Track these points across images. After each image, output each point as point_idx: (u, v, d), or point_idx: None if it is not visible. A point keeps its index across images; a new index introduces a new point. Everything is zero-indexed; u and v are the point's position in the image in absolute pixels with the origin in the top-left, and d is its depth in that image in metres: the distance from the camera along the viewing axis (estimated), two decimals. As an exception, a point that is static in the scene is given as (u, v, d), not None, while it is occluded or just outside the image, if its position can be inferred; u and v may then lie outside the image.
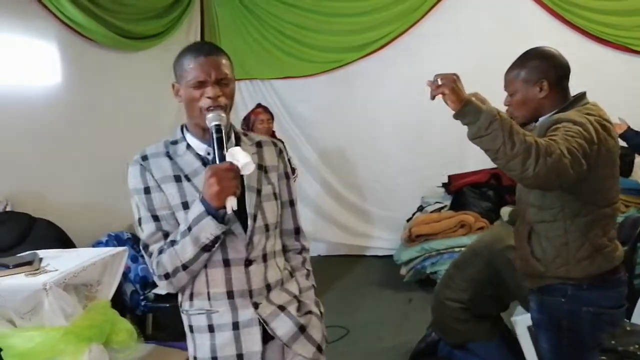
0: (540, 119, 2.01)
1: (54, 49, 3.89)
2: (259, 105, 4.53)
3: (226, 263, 1.58)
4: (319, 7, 5.55)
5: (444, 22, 5.21)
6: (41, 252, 2.46)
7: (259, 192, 1.64)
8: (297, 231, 1.80)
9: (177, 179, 1.58)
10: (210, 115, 1.53)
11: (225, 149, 1.49)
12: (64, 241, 3.36)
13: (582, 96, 2.01)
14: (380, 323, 4.05)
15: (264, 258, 1.64)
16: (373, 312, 4.15)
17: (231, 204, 1.43)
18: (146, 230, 1.57)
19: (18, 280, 2.17)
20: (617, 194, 1.97)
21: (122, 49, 4.42)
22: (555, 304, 1.98)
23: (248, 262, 1.60)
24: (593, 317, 1.94)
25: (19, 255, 2.47)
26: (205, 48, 1.61)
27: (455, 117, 1.71)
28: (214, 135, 1.49)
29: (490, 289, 2.99)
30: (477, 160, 4.86)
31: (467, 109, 1.68)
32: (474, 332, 3.06)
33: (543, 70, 1.96)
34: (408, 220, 5.14)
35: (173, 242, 1.52)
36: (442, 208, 5.06)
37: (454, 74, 1.71)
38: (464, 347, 3.20)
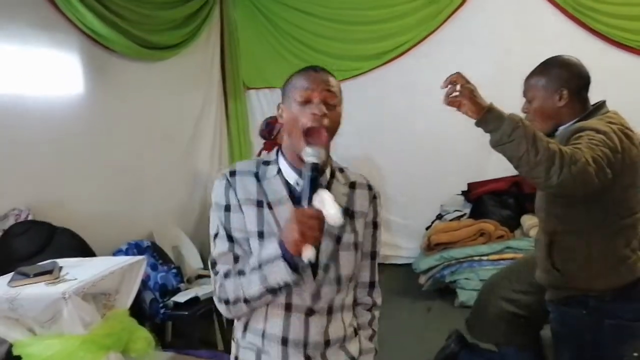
0: (561, 128, 1.98)
1: (76, 59, 3.96)
2: None
3: (287, 307, 1.47)
4: (337, 15, 5.57)
5: (463, 29, 5.18)
6: (61, 261, 2.49)
7: (338, 239, 1.51)
8: (372, 285, 1.65)
9: (259, 204, 1.49)
10: (309, 150, 1.41)
11: (316, 191, 1.37)
12: (84, 250, 3.40)
13: (602, 105, 1.98)
14: (399, 332, 4.02)
15: (329, 310, 1.51)
16: (392, 321, 4.11)
17: (309, 254, 1.31)
18: (218, 247, 1.48)
19: (38, 289, 2.20)
20: (637, 204, 1.94)
21: (142, 59, 4.48)
22: (577, 316, 1.95)
23: (310, 312, 1.48)
24: (615, 330, 1.90)
25: (39, 264, 2.50)
26: (317, 67, 1.53)
27: (478, 124, 1.70)
28: (308, 174, 1.39)
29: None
30: (497, 167, 4.82)
31: (489, 116, 1.67)
32: (517, 338, 2.90)
33: (564, 78, 1.95)
34: (427, 229, 5.10)
35: (241, 272, 1.43)
36: (461, 216, 5.02)
37: (471, 85, 1.70)
38: (483, 356, 3.14)
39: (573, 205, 1.89)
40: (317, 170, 1.40)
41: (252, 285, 1.41)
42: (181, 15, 4.88)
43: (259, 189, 1.50)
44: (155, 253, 3.95)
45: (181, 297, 3.75)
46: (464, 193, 5.21)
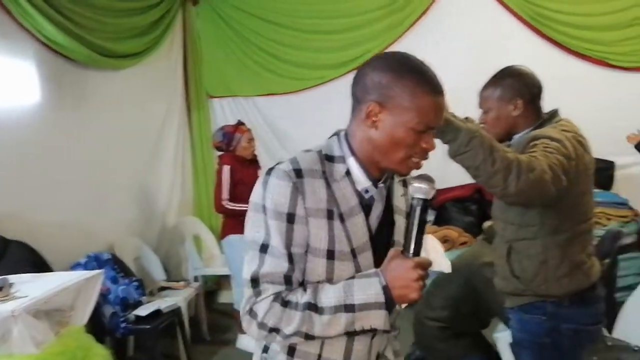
0: (516, 137, 2.01)
1: (33, 68, 3.84)
2: (241, 122, 4.28)
3: (353, 332, 1.25)
4: (301, 24, 5.57)
5: (425, 38, 5.23)
6: (12, 277, 2.41)
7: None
8: None
9: (330, 215, 1.23)
10: (419, 186, 1.22)
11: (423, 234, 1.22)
12: (39, 264, 3.29)
13: (555, 113, 2.02)
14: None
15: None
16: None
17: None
18: (269, 265, 1.21)
19: (-13, 308, 2.12)
20: (592, 210, 1.98)
21: (102, 67, 4.40)
22: (536, 322, 1.97)
23: (374, 334, 1.30)
24: (573, 334, 1.94)
25: (-12, 280, 2.41)
26: (440, 87, 1.26)
27: (436, 135, 1.71)
28: (417, 214, 1.20)
29: (470, 307, 2.97)
30: (460, 175, 4.86)
31: (447, 128, 1.69)
32: (455, 350, 3.03)
33: (517, 89, 1.98)
34: (392, 236, 5.10)
35: (311, 306, 1.19)
36: (425, 223, 5.04)
37: None
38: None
39: (529, 213, 1.92)
40: (426, 212, 1.22)
41: (332, 326, 1.20)
42: (142, 23, 4.82)
43: (330, 195, 1.23)
44: (115, 265, 3.87)
45: (143, 311, 3.68)
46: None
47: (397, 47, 5.31)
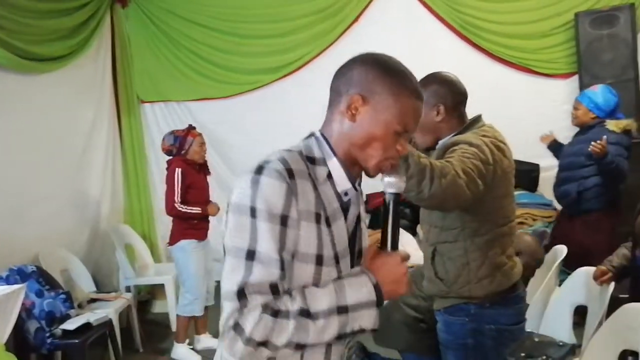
0: (440, 142, 2.06)
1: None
2: (192, 127, 4.22)
3: (343, 335, 1.19)
4: (234, 29, 5.52)
5: (358, 43, 5.28)
6: None
7: (359, 252, 1.34)
8: None
9: (318, 218, 1.18)
10: (391, 180, 1.23)
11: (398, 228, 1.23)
12: (-44, 279, 3.11)
13: (478, 119, 2.07)
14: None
15: None
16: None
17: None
18: (257, 273, 1.11)
19: None
20: (513, 212, 2.04)
21: (25, 71, 4.20)
22: (460, 323, 2.01)
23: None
24: (496, 335, 1.99)
25: None
26: (421, 94, 1.27)
27: None
28: (391, 208, 1.22)
29: None
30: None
31: None
32: (418, 344, 2.96)
33: (440, 95, 2.01)
34: (328, 241, 5.12)
35: (303, 312, 1.12)
36: (361, 227, 5.08)
37: None
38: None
39: (450, 216, 1.96)
40: (398, 205, 1.23)
41: (326, 332, 1.14)
42: (67, 25, 4.63)
43: (317, 198, 1.19)
44: (41, 278, 3.69)
45: (71, 324, 3.53)
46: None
47: (330, 53, 5.37)
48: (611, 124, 3.72)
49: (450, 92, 2.03)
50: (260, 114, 5.47)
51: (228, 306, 1.11)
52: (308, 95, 5.36)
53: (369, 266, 1.22)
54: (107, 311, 3.92)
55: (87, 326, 3.57)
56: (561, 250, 3.14)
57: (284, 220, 1.12)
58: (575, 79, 4.96)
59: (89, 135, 5.06)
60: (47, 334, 3.42)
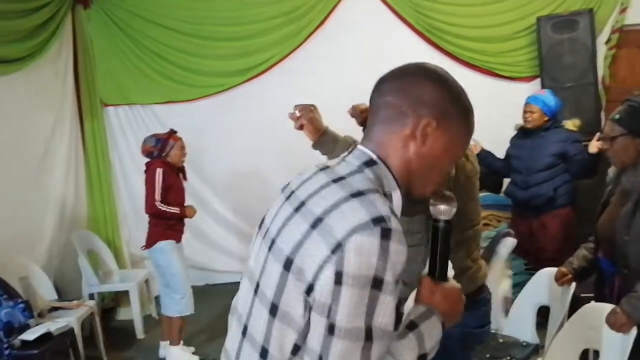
0: None
1: None
2: (173, 131, 4.24)
3: None
4: (200, 31, 5.46)
5: (324, 47, 5.31)
6: None
7: None
8: None
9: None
10: (444, 208, 1.15)
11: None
12: None
13: None
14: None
15: None
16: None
17: None
18: (377, 351, 0.98)
19: None
20: (478, 216, 2.06)
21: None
22: None
23: None
24: (461, 338, 1.99)
25: None
26: None
27: (314, 147, 1.73)
28: (441, 235, 1.16)
29: None
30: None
31: (323, 139, 1.70)
32: None
33: None
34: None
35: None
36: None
37: (312, 105, 1.73)
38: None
39: (414, 220, 1.97)
40: (450, 232, 1.17)
41: (406, 350, 1.06)
42: (25, 27, 4.51)
43: None
44: (-1, 288, 3.59)
45: (30, 335, 3.43)
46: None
47: (296, 56, 5.37)
48: (569, 124, 3.94)
49: None
50: (226, 117, 5.42)
51: None
52: (275, 98, 5.34)
53: (430, 300, 1.17)
54: (69, 320, 3.83)
55: (47, 336, 3.48)
56: (511, 242, 3.25)
57: (397, 285, 1.01)
58: (537, 82, 5.05)
59: (50, 139, 4.93)
60: (5, 345, 3.32)
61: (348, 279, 0.95)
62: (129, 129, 5.61)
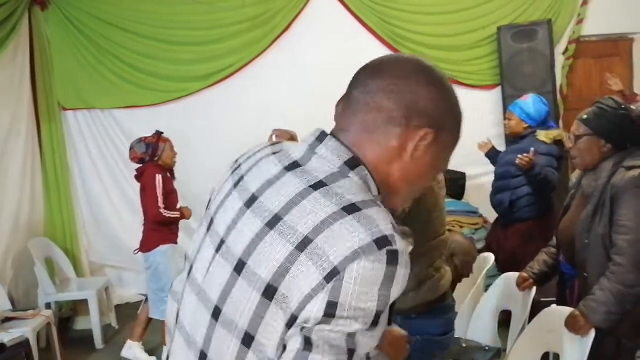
0: None
1: None
2: (159, 132, 4.18)
3: None
4: (161, 35, 5.38)
5: (288, 53, 5.30)
6: None
7: None
8: None
9: None
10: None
11: None
12: None
13: None
14: None
15: None
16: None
17: None
18: (374, 339, 0.89)
19: None
20: (443, 226, 2.07)
21: None
22: None
23: None
24: (422, 345, 2.00)
25: None
26: None
27: None
28: None
29: None
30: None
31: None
32: None
33: None
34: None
35: None
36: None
37: (291, 131, 1.78)
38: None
39: None
40: None
41: None
42: (-20, 27, 4.37)
43: None
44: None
45: (-14, 342, 3.31)
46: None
47: (259, 62, 5.35)
48: (541, 134, 3.74)
49: None
50: (188, 122, 5.34)
51: None
52: (238, 104, 5.31)
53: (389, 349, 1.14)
54: (24, 330, 3.70)
55: (0, 347, 3.35)
56: (489, 257, 3.22)
57: None
58: (498, 90, 5.15)
59: (4, 143, 4.78)
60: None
61: (343, 312, 0.83)
62: (88, 133, 5.48)
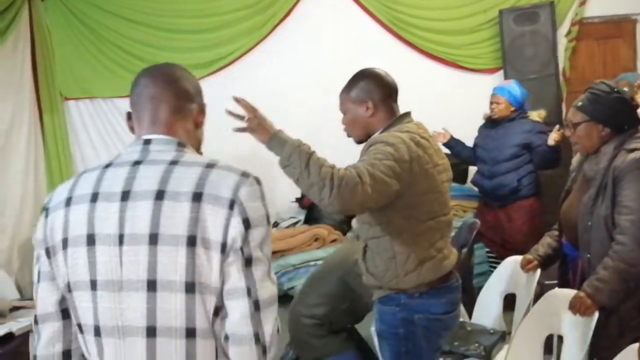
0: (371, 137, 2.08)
1: None
2: None
3: None
4: (162, 23, 5.36)
5: (288, 40, 5.27)
6: None
7: None
8: None
9: None
10: None
11: None
12: None
13: (405, 115, 2.11)
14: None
15: None
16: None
17: None
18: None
19: None
20: (442, 207, 2.06)
21: None
22: (391, 313, 2.07)
23: None
24: (425, 324, 2.04)
25: None
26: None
27: (268, 149, 1.79)
28: None
29: (346, 303, 3.01)
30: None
31: (273, 142, 1.82)
32: (330, 347, 3.06)
33: (368, 90, 2.06)
34: (264, 237, 5.09)
35: None
36: (296, 223, 5.09)
37: (257, 117, 1.80)
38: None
39: (375, 213, 2.00)
40: None
41: None
42: (-19, 17, 4.36)
43: None
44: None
45: (-6, 331, 3.34)
46: (297, 200, 5.28)
47: (260, 49, 5.33)
48: (534, 115, 3.93)
49: (377, 87, 2.07)
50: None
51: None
52: (237, 91, 5.25)
53: None
54: (32, 319, 3.73)
55: (9, 336, 3.38)
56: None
57: None
58: (500, 74, 5.11)
59: (7, 135, 4.79)
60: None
61: (253, 221, 1.20)
62: (90, 123, 5.49)
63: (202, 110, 1.38)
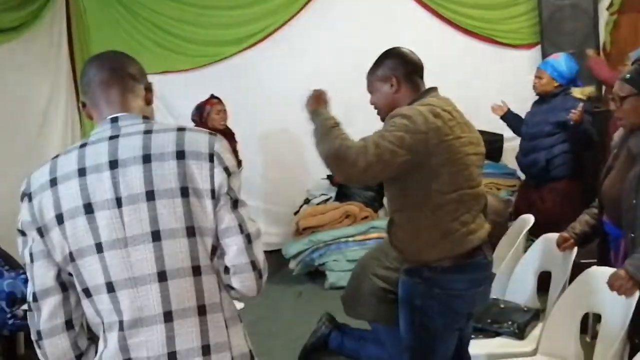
0: None
1: None
2: (213, 96, 4.47)
3: None
4: (194, -1, 5.38)
5: (322, 15, 5.22)
6: None
7: None
8: None
9: None
10: None
11: None
12: None
13: (429, 90, 2.11)
14: (270, 319, 4.01)
15: None
16: (263, 308, 4.08)
17: None
18: None
19: None
20: (466, 180, 2.02)
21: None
22: (413, 284, 2.09)
23: None
24: (444, 298, 2.04)
25: None
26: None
27: (309, 118, 2.07)
28: None
29: None
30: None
31: (313, 113, 2.01)
32: (387, 315, 2.95)
33: (392, 67, 2.11)
34: (295, 214, 5.12)
35: None
36: (327, 200, 5.09)
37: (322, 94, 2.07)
38: (353, 335, 3.21)
39: (395, 186, 2.04)
40: None
41: None
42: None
43: None
44: (0, 258, 3.58)
45: (34, 306, 3.43)
46: (328, 177, 5.28)
47: (293, 25, 5.30)
48: (576, 92, 3.73)
49: (401, 64, 2.11)
50: (222, 86, 5.33)
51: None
52: (271, 67, 5.29)
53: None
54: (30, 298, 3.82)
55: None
56: (528, 219, 3.18)
57: None
58: (538, 49, 4.99)
59: (46, 111, 4.89)
60: (9, 315, 3.33)
61: (232, 169, 1.41)
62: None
63: (149, 88, 1.49)
